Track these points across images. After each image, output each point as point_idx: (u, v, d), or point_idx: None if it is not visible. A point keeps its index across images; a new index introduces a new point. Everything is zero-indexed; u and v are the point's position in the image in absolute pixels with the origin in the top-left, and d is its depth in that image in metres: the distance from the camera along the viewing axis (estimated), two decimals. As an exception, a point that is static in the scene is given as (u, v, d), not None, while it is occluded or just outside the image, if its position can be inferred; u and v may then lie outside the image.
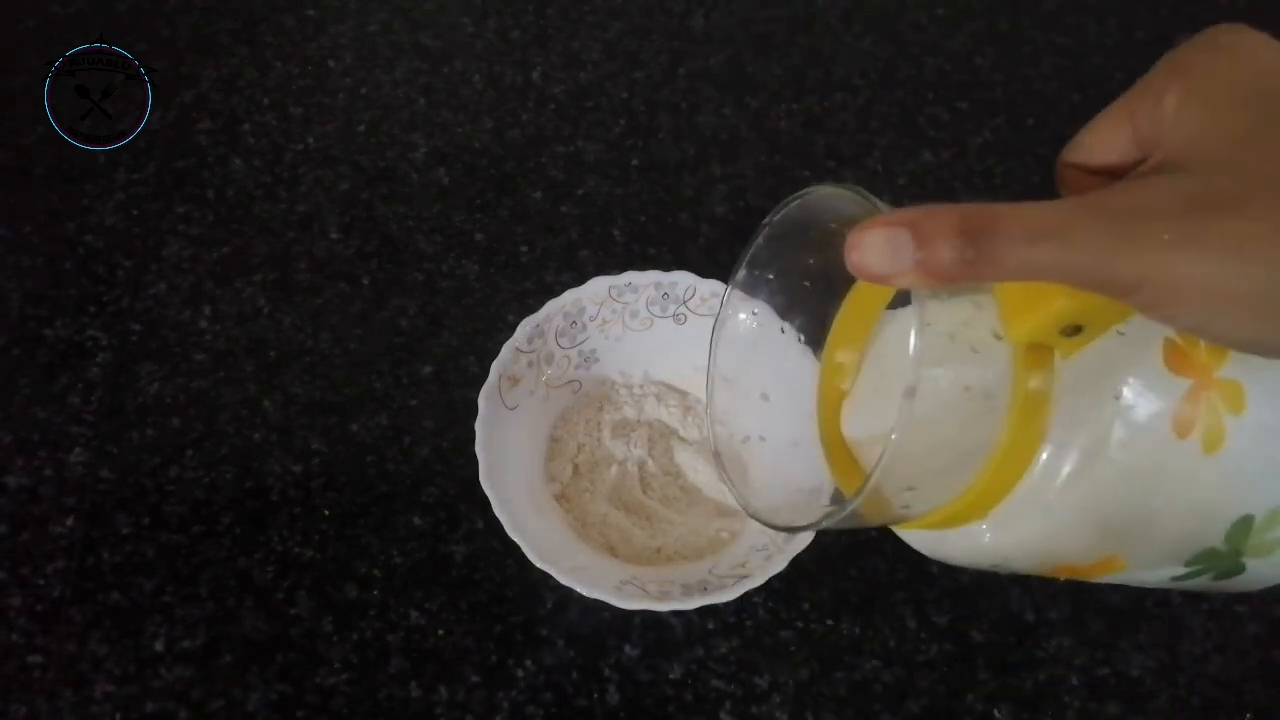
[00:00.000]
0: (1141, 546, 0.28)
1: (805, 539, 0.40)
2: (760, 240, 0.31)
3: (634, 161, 0.58)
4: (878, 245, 0.22)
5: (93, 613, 0.43)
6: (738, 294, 0.33)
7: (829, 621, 0.44)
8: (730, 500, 0.45)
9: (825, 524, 0.27)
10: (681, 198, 0.57)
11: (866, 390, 0.31)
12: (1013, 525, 0.27)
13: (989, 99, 0.63)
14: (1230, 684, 0.44)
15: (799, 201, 0.29)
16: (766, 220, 0.30)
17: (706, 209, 0.56)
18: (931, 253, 0.21)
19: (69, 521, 0.45)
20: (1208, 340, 0.25)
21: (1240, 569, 0.28)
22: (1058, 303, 0.24)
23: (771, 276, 0.33)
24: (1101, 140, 0.25)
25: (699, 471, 0.46)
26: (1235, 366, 0.26)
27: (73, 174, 0.56)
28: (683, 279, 0.47)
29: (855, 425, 0.31)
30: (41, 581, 0.44)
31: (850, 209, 0.25)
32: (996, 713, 0.43)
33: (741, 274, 0.32)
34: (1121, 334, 0.26)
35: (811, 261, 0.31)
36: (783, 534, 0.41)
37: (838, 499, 0.31)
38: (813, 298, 0.33)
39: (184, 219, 0.55)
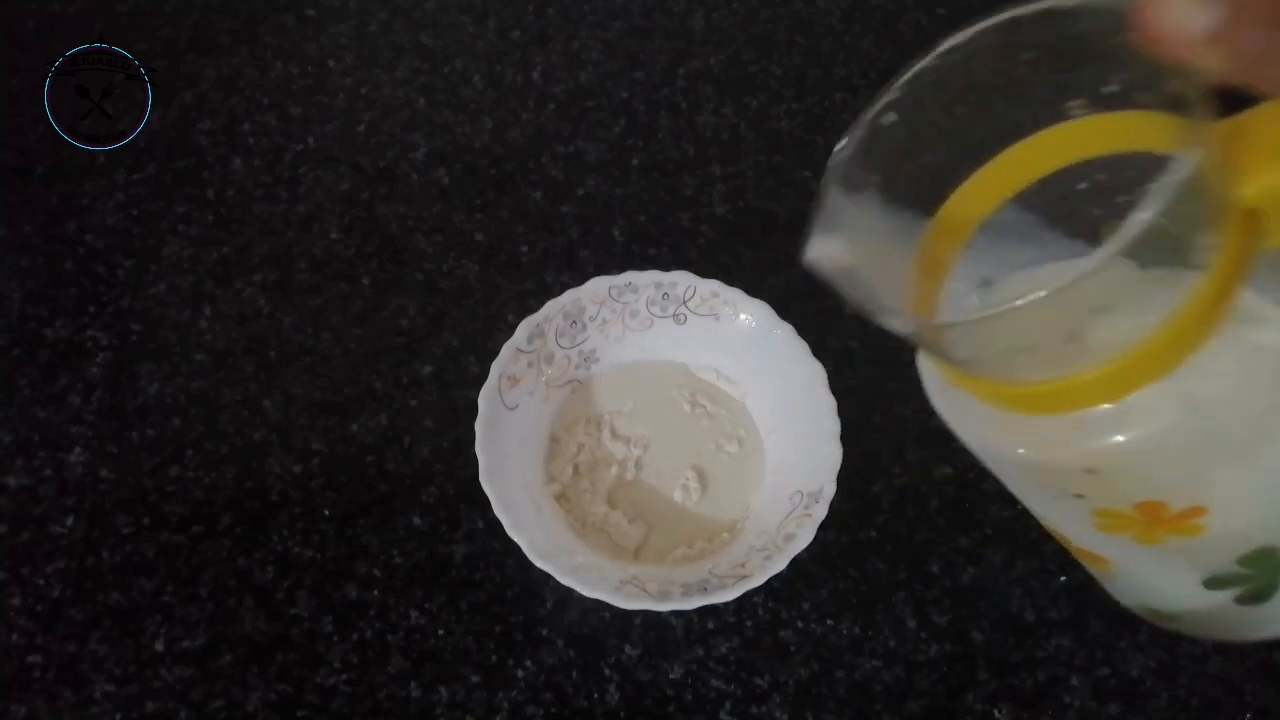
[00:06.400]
0: (1236, 506, 0.24)
1: (804, 540, 0.40)
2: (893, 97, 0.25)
3: (634, 161, 0.58)
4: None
5: (93, 613, 0.43)
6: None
7: (829, 621, 0.44)
8: (731, 501, 0.45)
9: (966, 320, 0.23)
10: (681, 198, 0.57)
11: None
12: (1134, 418, 0.23)
13: (989, 99, 0.62)
14: (1230, 684, 0.44)
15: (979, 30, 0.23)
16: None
17: (706, 209, 0.56)
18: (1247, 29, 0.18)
19: (69, 521, 0.45)
20: None
21: (1272, 591, 0.25)
22: None
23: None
24: None
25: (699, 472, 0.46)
26: None
27: (73, 174, 0.56)
28: (683, 279, 0.47)
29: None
30: (41, 581, 0.44)
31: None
32: (996, 713, 0.43)
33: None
34: None
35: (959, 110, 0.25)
36: (782, 534, 0.41)
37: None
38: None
39: (184, 219, 0.55)
